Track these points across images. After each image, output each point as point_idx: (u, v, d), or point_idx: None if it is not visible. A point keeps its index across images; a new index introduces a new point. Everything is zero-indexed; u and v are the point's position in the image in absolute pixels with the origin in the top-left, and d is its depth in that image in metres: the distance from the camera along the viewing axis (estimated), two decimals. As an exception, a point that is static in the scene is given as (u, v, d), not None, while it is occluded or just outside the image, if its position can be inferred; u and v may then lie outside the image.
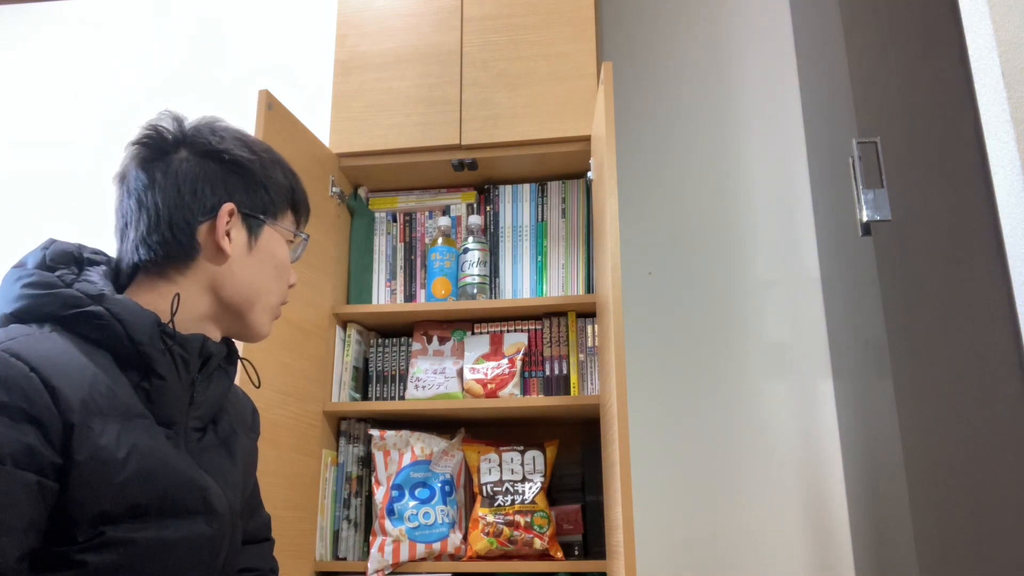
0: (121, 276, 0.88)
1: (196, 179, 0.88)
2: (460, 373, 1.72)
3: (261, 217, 0.93)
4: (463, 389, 1.70)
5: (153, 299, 0.86)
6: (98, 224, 0.93)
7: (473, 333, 1.76)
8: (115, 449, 0.75)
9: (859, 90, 1.43)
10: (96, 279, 0.84)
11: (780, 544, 1.77)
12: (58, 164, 2.34)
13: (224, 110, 0.99)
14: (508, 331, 1.74)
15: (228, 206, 0.89)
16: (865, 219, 1.31)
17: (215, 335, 0.92)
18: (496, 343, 1.72)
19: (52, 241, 0.88)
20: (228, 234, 0.89)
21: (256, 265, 0.92)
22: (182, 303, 0.87)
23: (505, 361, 1.69)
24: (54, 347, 0.76)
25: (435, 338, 1.76)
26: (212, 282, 0.89)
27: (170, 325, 0.85)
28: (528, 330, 1.74)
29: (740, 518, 1.80)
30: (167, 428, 0.83)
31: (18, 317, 0.80)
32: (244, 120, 1.08)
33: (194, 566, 0.83)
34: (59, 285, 0.81)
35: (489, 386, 1.66)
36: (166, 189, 0.87)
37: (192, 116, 0.94)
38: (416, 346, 1.76)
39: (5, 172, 2.37)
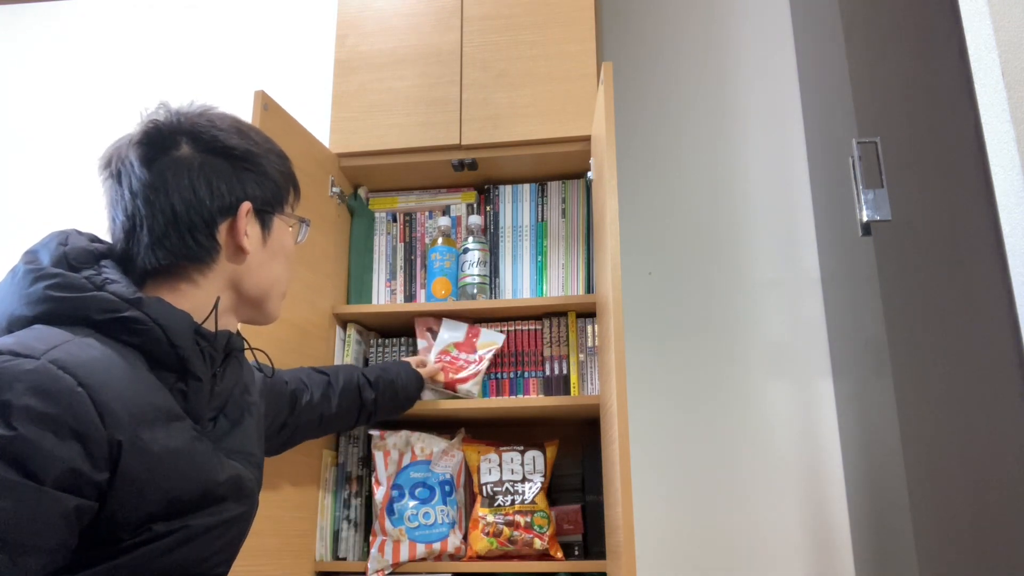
0: (130, 274, 0.86)
1: (209, 177, 0.87)
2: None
3: (271, 210, 0.94)
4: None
5: (176, 300, 0.85)
6: (102, 222, 0.91)
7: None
8: (163, 456, 0.77)
9: (859, 90, 1.43)
10: (119, 278, 0.82)
11: (780, 543, 1.77)
12: (57, 164, 2.34)
13: (224, 110, 0.99)
14: (485, 327, 1.72)
15: (246, 204, 0.90)
16: (865, 219, 1.31)
17: (233, 326, 0.94)
18: (472, 335, 1.70)
19: (67, 235, 0.85)
20: (246, 232, 0.90)
21: (270, 258, 0.94)
22: (207, 302, 0.88)
23: (475, 356, 1.67)
24: (98, 356, 0.75)
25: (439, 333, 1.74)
26: (232, 279, 0.91)
27: (205, 327, 0.86)
28: (528, 330, 1.72)
29: (740, 518, 1.80)
30: (196, 424, 0.85)
31: (43, 320, 0.78)
32: (244, 120, 1.08)
33: (236, 538, 0.90)
34: (89, 288, 0.79)
35: (451, 375, 1.64)
36: (180, 190, 0.85)
37: (183, 104, 0.92)
38: (421, 343, 1.74)
39: (8, 172, 2.37)
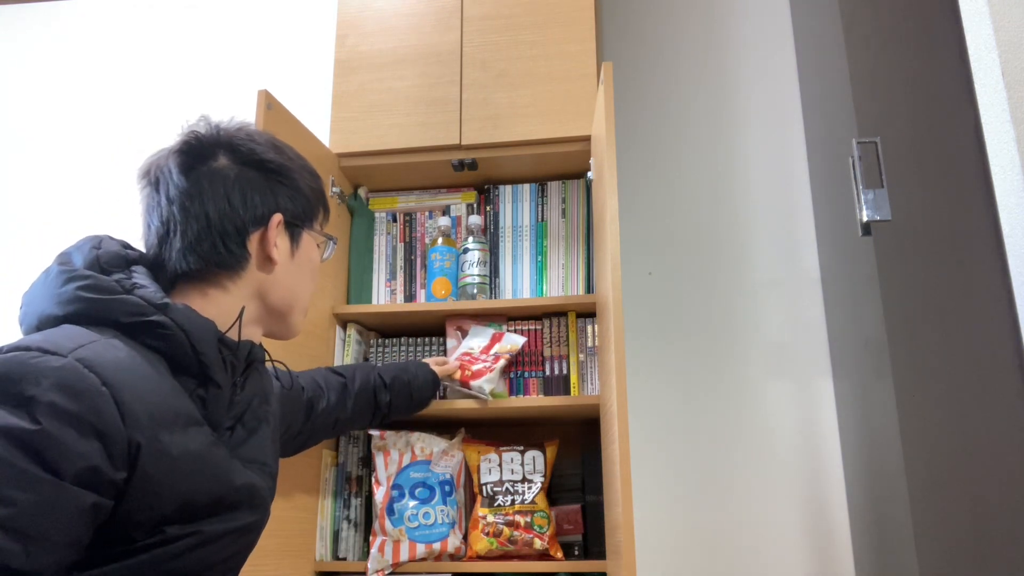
0: (160, 279, 0.88)
1: (244, 188, 0.90)
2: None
3: (301, 225, 0.96)
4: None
5: (203, 306, 0.87)
6: (103, 222, 0.92)
7: (506, 328, 1.73)
8: (181, 460, 0.78)
9: (859, 90, 1.43)
10: (148, 283, 0.84)
11: (780, 543, 1.77)
12: (57, 164, 2.34)
13: (224, 110, 1.00)
14: (511, 330, 1.73)
15: (278, 216, 0.92)
16: (865, 219, 1.31)
17: (257, 337, 0.96)
18: (495, 340, 1.71)
19: (100, 240, 0.88)
20: (275, 243, 0.92)
21: (297, 271, 0.97)
22: (234, 310, 0.89)
23: (491, 356, 1.67)
24: (123, 358, 0.76)
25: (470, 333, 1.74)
26: (259, 289, 0.93)
27: (229, 336, 0.87)
28: (528, 330, 1.72)
29: (740, 518, 1.80)
30: (214, 431, 0.86)
31: (72, 320, 0.80)
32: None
33: (246, 546, 0.91)
34: (119, 291, 0.81)
35: (467, 372, 1.64)
36: (215, 198, 0.88)
37: (223, 119, 0.95)
38: (451, 343, 1.73)
39: (8, 172, 2.37)
